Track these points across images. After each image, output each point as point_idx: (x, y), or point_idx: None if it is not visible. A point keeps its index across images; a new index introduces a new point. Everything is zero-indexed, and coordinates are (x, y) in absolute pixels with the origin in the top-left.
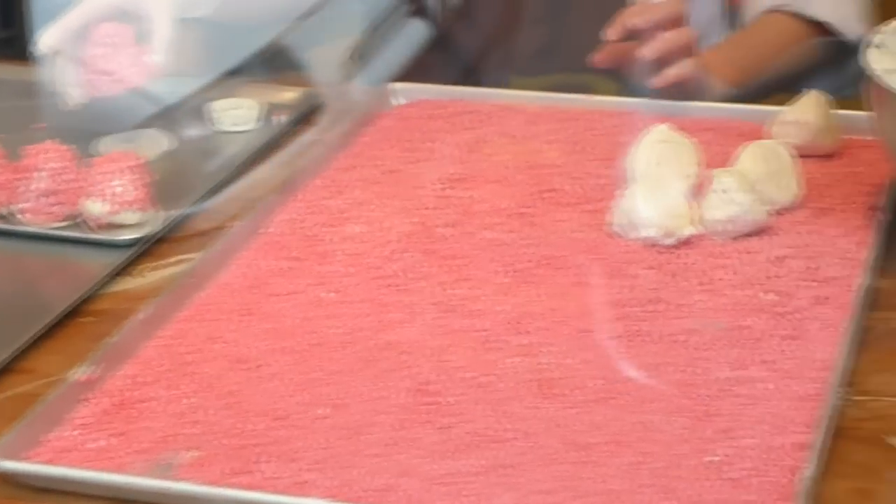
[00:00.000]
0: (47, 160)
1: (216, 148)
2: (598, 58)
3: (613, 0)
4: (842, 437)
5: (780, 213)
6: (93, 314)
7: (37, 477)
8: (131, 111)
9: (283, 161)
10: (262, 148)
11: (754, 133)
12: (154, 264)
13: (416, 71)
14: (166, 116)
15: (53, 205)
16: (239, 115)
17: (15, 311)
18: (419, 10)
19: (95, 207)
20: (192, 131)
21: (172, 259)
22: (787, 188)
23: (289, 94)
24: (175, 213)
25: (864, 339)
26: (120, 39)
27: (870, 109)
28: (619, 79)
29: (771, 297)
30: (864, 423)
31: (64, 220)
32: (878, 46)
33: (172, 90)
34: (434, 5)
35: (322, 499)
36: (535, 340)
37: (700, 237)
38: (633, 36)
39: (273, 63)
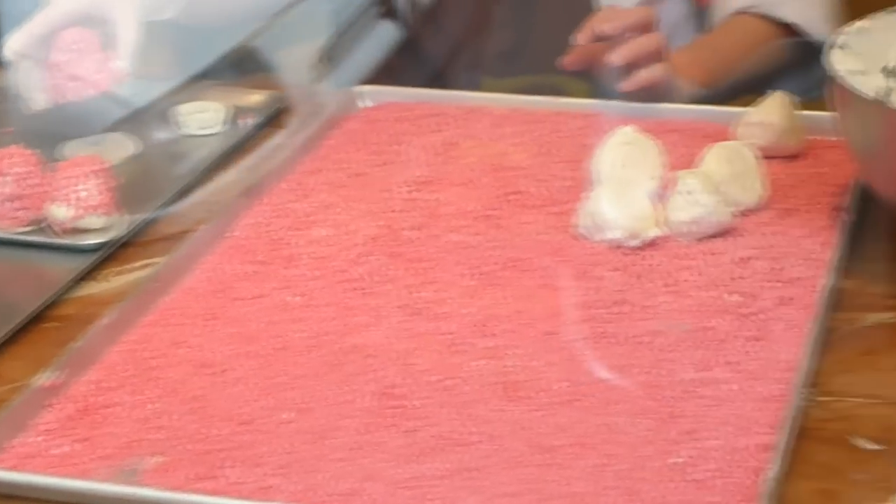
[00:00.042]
0: (12, 165)
1: (182, 152)
2: (568, 60)
3: (583, 2)
4: (806, 437)
5: (744, 214)
6: (57, 319)
7: (0, 483)
8: (98, 115)
9: (249, 165)
10: (228, 151)
11: (719, 134)
12: (119, 269)
13: (386, 73)
14: (132, 120)
15: (18, 209)
16: (205, 118)
17: None
18: (389, 12)
19: (60, 212)
20: (158, 135)
21: (138, 263)
22: (751, 189)
23: (255, 97)
24: (140, 217)
25: (829, 340)
26: (85, 45)
27: (833, 110)
28: (589, 80)
29: (735, 298)
30: (827, 423)
31: (28, 225)
32: (841, 47)
33: (139, 93)
34: (404, 7)
35: (286, 503)
36: (501, 343)
37: (665, 239)
38: (603, 39)
39: (241, 65)
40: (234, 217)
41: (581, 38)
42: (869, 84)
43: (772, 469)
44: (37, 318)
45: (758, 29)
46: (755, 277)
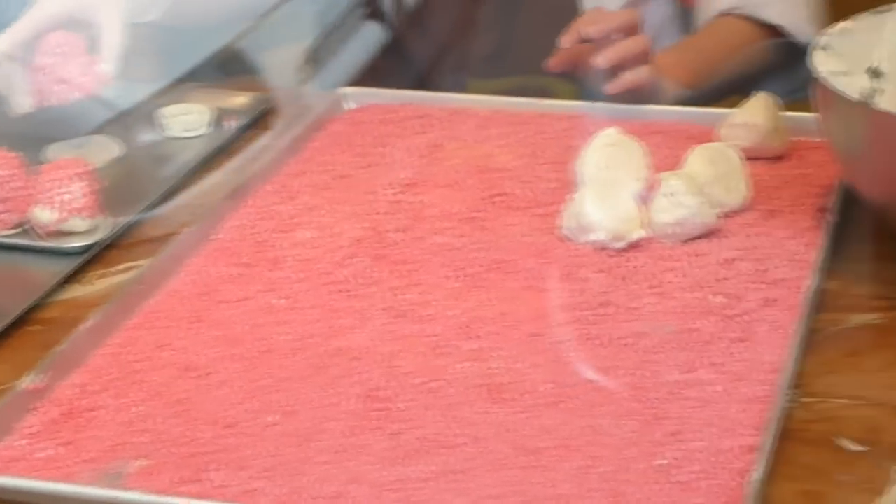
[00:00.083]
0: None
1: (166, 154)
2: (553, 62)
3: (569, 3)
4: (790, 439)
5: (728, 215)
6: (41, 322)
7: None
8: (82, 118)
9: (234, 167)
10: (213, 153)
11: (704, 136)
12: (103, 271)
13: (371, 74)
14: (116, 122)
15: (1, 213)
16: (189, 120)
17: None
18: (374, 14)
19: (44, 215)
20: (143, 137)
21: (122, 266)
22: (735, 190)
23: (240, 99)
24: (124, 219)
25: (813, 341)
26: (70, 48)
27: (817, 111)
28: (575, 82)
29: (720, 299)
30: (812, 425)
31: (12, 228)
32: (823, 48)
33: (123, 96)
34: (389, 8)
35: None
36: (486, 345)
37: (649, 240)
38: (589, 41)
39: (226, 67)
40: (219, 219)
41: (566, 40)
42: (853, 85)
43: (756, 471)
44: (21, 321)
45: (742, 30)
46: (739, 279)
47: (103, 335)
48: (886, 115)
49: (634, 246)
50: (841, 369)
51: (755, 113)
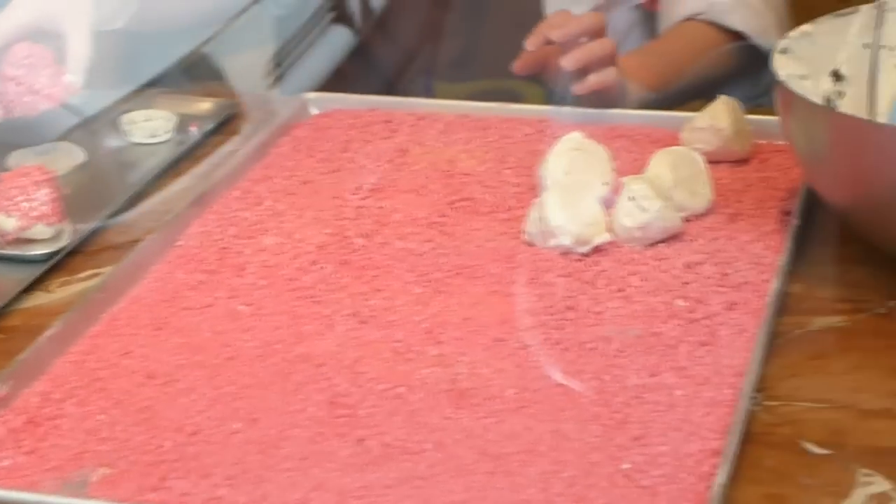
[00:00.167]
0: None
1: (130, 160)
2: (519, 65)
3: (535, 7)
4: (754, 442)
5: (692, 219)
6: (3, 331)
7: None
8: (47, 125)
9: (199, 173)
10: (177, 159)
11: (668, 140)
12: (66, 279)
13: (339, 79)
14: (81, 129)
15: None
16: (153, 126)
17: None
18: (341, 18)
19: (6, 223)
20: (107, 144)
21: (85, 273)
22: (698, 194)
23: (204, 105)
24: (88, 226)
25: (777, 345)
26: (36, 59)
27: (779, 114)
28: (542, 84)
29: (684, 303)
30: (776, 428)
31: None
32: (784, 52)
33: (88, 102)
34: (357, 13)
35: None
36: (450, 350)
37: (613, 245)
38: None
39: (191, 73)
40: (183, 226)
41: (531, 42)
42: (813, 88)
43: (720, 474)
44: None
45: (707, 35)
46: (703, 282)
47: (66, 343)
48: (848, 119)
49: (599, 250)
50: (805, 372)
51: (718, 116)
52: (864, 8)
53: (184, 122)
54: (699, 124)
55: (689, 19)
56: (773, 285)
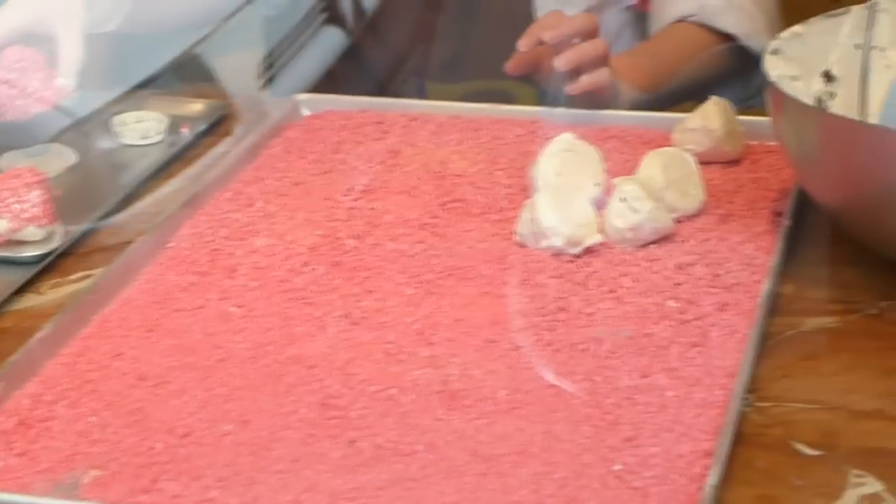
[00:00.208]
0: None
1: (122, 162)
2: (511, 65)
3: (527, 8)
4: (746, 443)
5: (683, 220)
6: None
7: None
8: (38, 127)
9: (190, 174)
10: (168, 161)
11: (659, 141)
12: (58, 280)
13: (331, 80)
14: (73, 131)
15: None
16: (145, 127)
17: None
18: (334, 18)
19: None
20: (98, 145)
21: (77, 275)
22: (690, 195)
23: (196, 106)
24: (79, 228)
25: (768, 345)
26: (28, 63)
27: (771, 115)
28: (535, 84)
29: (675, 304)
30: (768, 429)
31: None
32: (774, 52)
33: (79, 104)
34: (349, 13)
35: None
36: (442, 352)
37: (605, 246)
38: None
39: (183, 74)
40: (175, 227)
41: (524, 43)
42: (805, 89)
43: (712, 475)
44: None
45: (698, 37)
46: (695, 283)
47: (58, 345)
48: (839, 119)
49: (590, 251)
50: (796, 373)
51: (710, 117)
52: (856, 9)
53: (175, 124)
54: (690, 125)
55: (681, 21)
56: (765, 286)
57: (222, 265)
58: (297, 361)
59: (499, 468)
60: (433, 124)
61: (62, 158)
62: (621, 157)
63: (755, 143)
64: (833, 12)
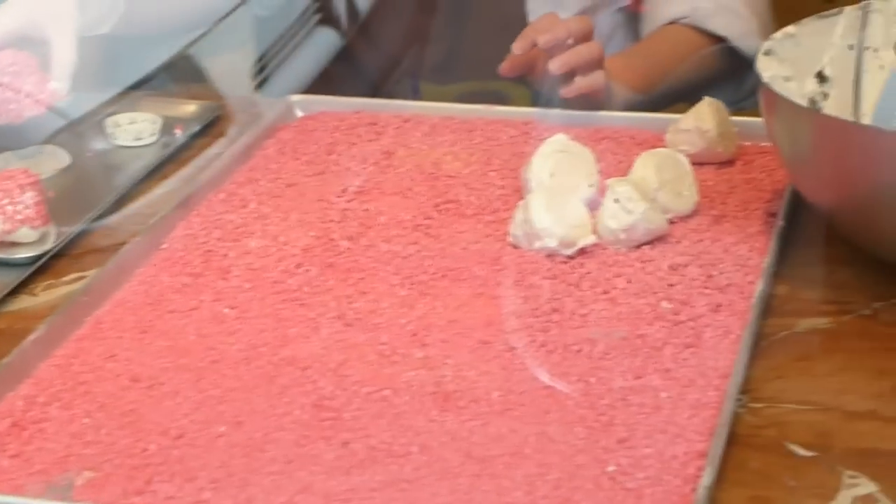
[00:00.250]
0: None
1: (116, 163)
2: (505, 67)
3: (519, 8)
4: (739, 444)
5: (677, 221)
6: None
7: None
8: (32, 128)
9: (184, 175)
10: (162, 162)
11: (653, 142)
12: (51, 282)
13: (325, 80)
14: (66, 132)
15: None
16: (139, 129)
17: None
18: (327, 20)
19: None
20: (91, 146)
21: (70, 277)
22: (683, 196)
23: (190, 107)
24: (72, 229)
25: (762, 346)
26: (21, 67)
27: (764, 116)
28: (529, 86)
29: (669, 305)
30: (761, 430)
31: None
32: (767, 53)
33: (73, 105)
34: (343, 14)
35: None
36: (435, 353)
37: (599, 247)
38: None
39: (176, 75)
40: (168, 228)
41: (519, 46)
42: (798, 89)
43: (705, 476)
44: None
45: (690, 39)
46: (688, 284)
47: (51, 346)
48: (832, 120)
49: (584, 252)
50: (790, 374)
51: (703, 118)
52: (849, 9)
53: (168, 125)
54: (684, 126)
55: (673, 23)
56: (759, 287)
57: (216, 266)
58: (290, 363)
59: (492, 469)
60: (427, 125)
61: (56, 160)
62: (615, 157)
63: (749, 143)
64: (826, 13)
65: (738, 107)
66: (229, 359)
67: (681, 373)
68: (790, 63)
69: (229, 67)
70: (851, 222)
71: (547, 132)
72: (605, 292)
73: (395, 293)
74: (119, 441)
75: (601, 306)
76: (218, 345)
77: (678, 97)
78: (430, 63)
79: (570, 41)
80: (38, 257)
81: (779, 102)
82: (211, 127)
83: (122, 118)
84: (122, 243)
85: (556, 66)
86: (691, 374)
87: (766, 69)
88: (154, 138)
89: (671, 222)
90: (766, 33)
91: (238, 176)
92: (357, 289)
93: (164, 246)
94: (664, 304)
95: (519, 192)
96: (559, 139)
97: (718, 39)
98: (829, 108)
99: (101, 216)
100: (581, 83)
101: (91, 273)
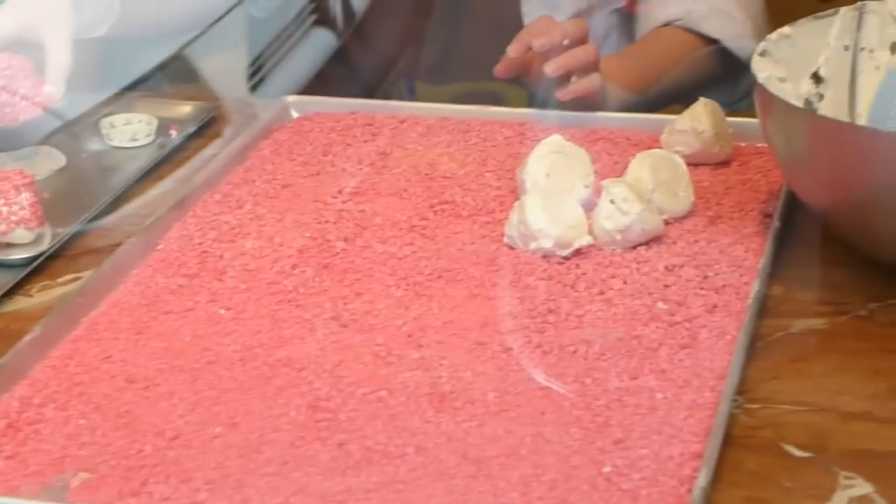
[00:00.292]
0: None
1: (111, 164)
2: (500, 69)
3: (514, 9)
4: (735, 445)
5: (673, 221)
6: None
7: None
8: (28, 130)
9: (179, 176)
10: (158, 163)
11: (648, 142)
12: (47, 283)
13: (321, 81)
14: (61, 133)
15: None
16: (134, 130)
17: None
18: (323, 20)
19: None
20: (87, 147)
21: (66, 277)
22: (679, 197)
23: (185, 108)
24: (68, 230)
25: (757, 347)
26: (16, 70)
27: (759, 117)
28: (524, 87)
29: (664, 306)
30: (757, 431)
31: None
32: (762, 54)
33: (69, 106)
34: (339, 15)
35: None
36: (431, 354)
37: (594, 247)
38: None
39: (172, 76)
40: (163, 229)
41: (514, 49)
42: (794, 90)
43: (701, 477)
44: None
45: (684, 41)
46: (684, 285)
47: (46, 347)
48: (827, 121)
49: (579, 253)
50: (785, 375)
51: (699, 119)
52: (844, 10)
53: (164, 126)
54: (679, 127)
55: (667, 25)
56: (754, 288)
57: (211, 267)
58: (286, 364)
59: (488, 470)
60: (422, 126)
61: (51, 161)
62: (610, 158)
63: (744, 144)
64: (821, 14)
65: (732, 108)
66: (225, 360)
67: (676, 374)
68: (785, 64)
69: (224, 68)
70: (847, 223)
71: (542, 133)
72: (601, 293)
73: (390, 294)
74: (115, 442)
75: (597, 307)
76: (213, 346)
77: (673, 98)
78: (426, 64)
79: (565, 43)
80: (34, 258)
81: (774, 103)
82: (206, 128)
83: (118, 119)
84: (118, 244)
85: (551, 68)
86: (687, 375)
87: (762, 70)
88: (149, 139)
89: (667, 223)
90: (761, 36)
91: (233, 177)
92: (353, 290)
93: (159, 247)
94: (660, 304)
95: (514, 192)
96: (555, 140)
97: (713, 41)
98: (825, 108)
99: (96, 217)
100: (577, 86)
101: (86, 274)
